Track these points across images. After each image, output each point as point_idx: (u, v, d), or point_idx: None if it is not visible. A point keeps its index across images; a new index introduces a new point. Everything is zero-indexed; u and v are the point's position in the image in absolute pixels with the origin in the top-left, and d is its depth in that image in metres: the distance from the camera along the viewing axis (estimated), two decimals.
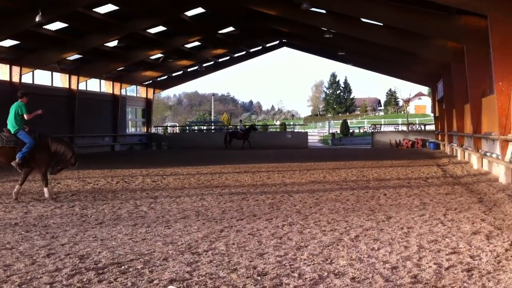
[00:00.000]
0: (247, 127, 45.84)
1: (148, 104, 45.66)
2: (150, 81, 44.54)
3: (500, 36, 14.68)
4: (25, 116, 11.39)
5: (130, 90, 44.09)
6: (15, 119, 11.29)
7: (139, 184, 15.29)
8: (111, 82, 39.36)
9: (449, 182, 15.08)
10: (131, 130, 44.41)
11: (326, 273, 5.62)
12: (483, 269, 5.67)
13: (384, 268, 5.80)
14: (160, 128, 57.56)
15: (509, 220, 8.66)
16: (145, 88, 45.20)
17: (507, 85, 14.58)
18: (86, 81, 36.53)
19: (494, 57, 14.80)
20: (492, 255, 6.28)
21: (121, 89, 40.10)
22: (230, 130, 46.36)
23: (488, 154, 17.16)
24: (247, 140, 39.96)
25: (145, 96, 45.45)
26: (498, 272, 5.56)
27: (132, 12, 27.04)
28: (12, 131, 11.26)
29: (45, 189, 11.68)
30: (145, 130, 45.51)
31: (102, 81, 39.03)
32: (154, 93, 47.13)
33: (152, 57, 37.66)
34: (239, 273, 5.68)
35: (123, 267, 5.98)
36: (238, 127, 44.52)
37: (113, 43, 31.74)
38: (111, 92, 39.51)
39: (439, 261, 6.05)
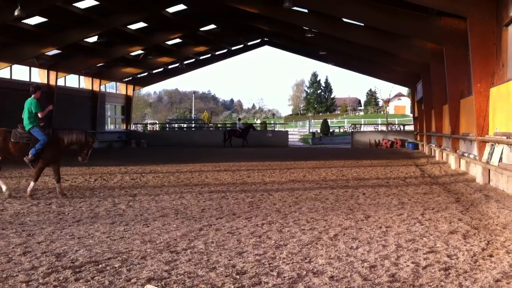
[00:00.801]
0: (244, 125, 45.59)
1: (127, 101, 45.29)
2: (130, 78, 44.19)
3: (478, 38, 14.84)
4: (39, 114, 11.53)
5: (110, 87, 43.69)
6: (29, 116, 11.41)
7: (117, 182, 15.15)
8: (90, 78, 38.96)
9: (427, 182, 15.23)
10: (110, 127, 43.99)
11: (305, 272, 5.63)
12: (460, 268, 5.73)
13: (362, 267, 5.82)
14: (139, 125, 57.13)
15: (485, 220, 8.77)
16: (125, 84, 44.83)
17: (485, 86, 14.76)
18: (65, 76, 36.09)
19: (472, 59, 14.97)
20: (469, 254, 6.35)
21: (100, 85, 39.73)
22: (229, 128, 46.06)
23: (466, 154, 17.37)
24: (245, 138, 40.04)
25: (124, 93, 45.07)
26: (474, 271, 5.62)
27: (113, 8, 26.80)
28: (26, 128, 11.40)
29: (57, 185, 11.89)
30: (125, 127, 45.14)
31: (81, 77, 38.61)
32: (134, 90, 46.76)
33: (132, 54, 37.38)
34: (217, 271, 5.66)
35: (100, 265, 5.91)
36: (237, 125, 44.29)
37: (93, 39, 31.40)
38: (90, 88, 39.12)
39: (417, 260, 6.11)
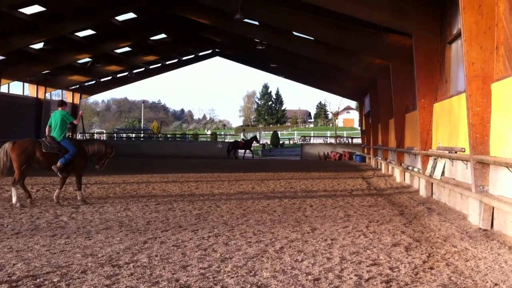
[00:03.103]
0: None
1: (74, 110, 44.17)
2: (77, 86, 43.23)
3: (423, 55, 15.31)
4: (74, 122, 12.88)
5: (56, 94, 42.65)
6: (61, 127, 12.22)
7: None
8: (35, 86, 37.88)
9: (372, 194, 15.51)
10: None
11: (249, 285, 5.58)
12: (401, 281, 5.82)
13: (306, 279, 5.83)
14: (86, 134, 55.85)
15: (427, 232, 8.98)
16: (72, 92, 43.80)
17: (429, 102, 15.21)
18: (9, 83, 34.92)
19: (417, 75, 15.41)
20: (410, 266, 6.46)
21: (45, 93, 38.68)
22: (233, 140, 45.19)
23: (410, 168, 17.81)
24: (249, 149, 39.79)
25: (71, 101, 44.00)
26: (415, 284, 5.72)
27: (60, 14, 26.19)
28: (58, 139, 12.12)
29: (78, 192, 12.58)
30: (71, 136, 43.99)
31: (26, 84, 37.45)
32: (80, 98, 45.77)
33: (80, 61, 36.60)
34: (160, 286, 5.54)
35: (38, 279, 5.69)
36: (241, 136, 43.65)
37: (39, 45, 30.56)
38: (35, 96, 37.99)
39: (360, 272, 6.16)
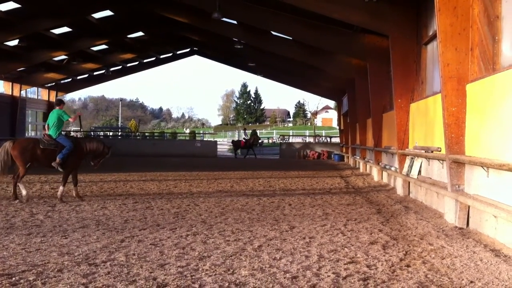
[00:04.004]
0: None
1: (50, 107, 43.53)
2: (53, 84, 42.62)
3: (400, 55, 15.48)
4: (71, 119, 13.20)
5: (31, 92, 41.95)
6: (57, 125, 12.65)
7: (36, 191, 14.51)
8: (10, 83, 37.19)
9: (351, 193, 15.62)
10: (31, 133, 42.18)
11: (227, 284, 5.58)
12: (378, 278, 5.88)
13: (284, 277, 5.85)
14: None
15: (404, 230, 9.08)
16: (47, 90, 43.18)
17: (406, 102, 15.39)
18: None
19: (394, 75, 15.58)
20: (388, 264, 6.53)
21: (21, 90, 37.99)
22: (235, 140, 44.38)
23: (388, 167, 18.00)
24: (252, 149, 39.27)
25: (47, 99, 43.40)
26: (392, 281, 5.78)
27: (36, 11, 25.73)
28: (54, 136, 12.54)
29: (74, 188, 12.97)
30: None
31: (1, 81, 36.80)
32: (56, 96, 45.05)
33: (56, 59, 36.07)
34: (137, 284, 5.51)
35: (13, 278, 5.62)
36: (243, 135, 42.81)
37: (14, 42, 30.04)
38: (10, 93, 37.35)
39: (338, 270, 6.21)
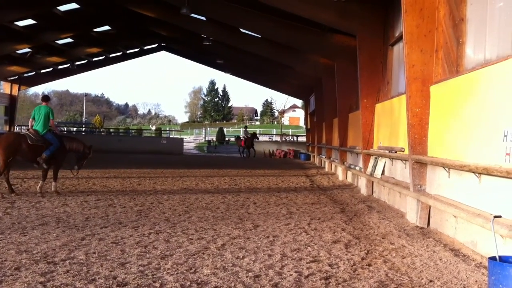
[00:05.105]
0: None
1: (12, 101, 42.41)
2: (16, 77, 41.55)
3: (366, 56, 15.61)
4: (51, 122, 12.90)
5: None
6: (45, 122, 12.64)
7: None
8: None
9: (315, 192, 15.70)
10: None
11: (188, 283, 5.51)
12: (340, 277, 5.89)
13: (247, 276, 5.81)
14: (24, 127, 53.88)
15: (367, 230, 9.16)
16: (10, 83, 42.06)
17: (371, 102, 15.54)
18: None
19: (360, 75, 15.70)
20: (349, 263, 6.56)
21: None
22: (236, 137, 43.20)
23: (353, 166, 18.16)
24: (252, 148, 38.44)
25: (9, 93, 42.24)
26: (353, 280, 5.80)
27: (0, 3, 25.04)
28: (42, 133, 12.56)
29: (53, 183, 13.16)
30: (7, 129, 42.30)
31: None
32: (19, 89, 43.89)
33: (19, 51, 35.19)
34: (97, 283, 5.38)
35: None
36: (242, 134, 41.76)
37: None
38: None
39: (300, 269, 6.20)
